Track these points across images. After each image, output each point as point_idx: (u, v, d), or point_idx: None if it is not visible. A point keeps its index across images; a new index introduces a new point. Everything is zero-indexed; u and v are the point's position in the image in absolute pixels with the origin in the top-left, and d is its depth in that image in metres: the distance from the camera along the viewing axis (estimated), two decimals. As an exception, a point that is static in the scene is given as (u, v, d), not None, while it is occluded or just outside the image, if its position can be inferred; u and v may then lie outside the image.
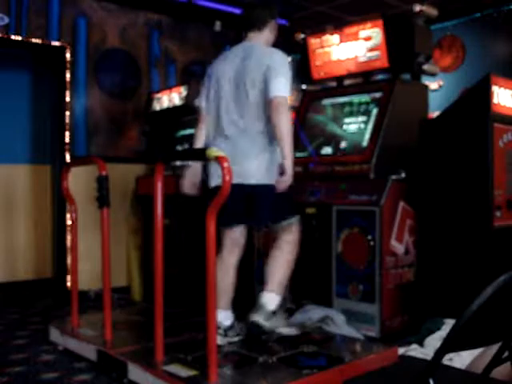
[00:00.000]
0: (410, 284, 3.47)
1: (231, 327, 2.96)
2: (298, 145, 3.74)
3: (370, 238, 3.30)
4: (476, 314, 1.29)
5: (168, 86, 5.28)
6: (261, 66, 2.84)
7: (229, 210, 2.79)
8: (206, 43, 5.81)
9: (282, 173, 2.81)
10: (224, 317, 2.92)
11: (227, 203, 2.71)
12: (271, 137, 2.88)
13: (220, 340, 2.76)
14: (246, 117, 2.88)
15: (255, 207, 2.91)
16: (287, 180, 2.80)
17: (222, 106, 2.95)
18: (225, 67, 2.98)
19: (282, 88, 2.79)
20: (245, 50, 2.97)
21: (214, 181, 2.91)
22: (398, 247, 3.39)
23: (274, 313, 2.94)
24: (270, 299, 2.95)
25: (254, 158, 2.86)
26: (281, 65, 2.85)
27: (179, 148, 4.94)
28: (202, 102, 3.13)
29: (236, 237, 3.03)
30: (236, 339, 2.95)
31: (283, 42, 2.99)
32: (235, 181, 2.71)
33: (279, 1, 3.06)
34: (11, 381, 2.88)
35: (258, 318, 2.89)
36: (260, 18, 3.02)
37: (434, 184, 3.44)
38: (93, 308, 4.16)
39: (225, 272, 2.96)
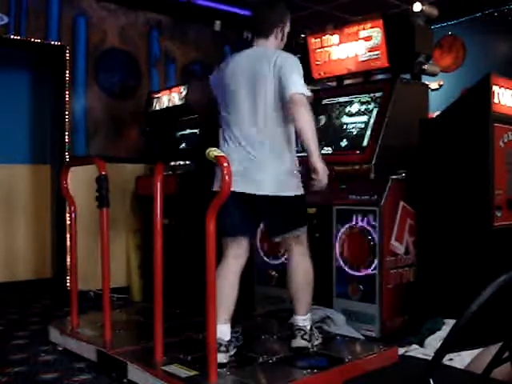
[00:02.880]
0: (410, 284, 3.47)
1: (231, 341, 2.75)
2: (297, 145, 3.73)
3: (370, 238, 3.30)
4: (476, 314, 1.29)
5: (168, 86, 5.28)
6: (272, 67, 2.71)
7: (237, 220, 2.74)
8: (205, 43, 5.81)
9: (312, 173, 2.66)
10: (225, 332, 2.68)
11: (236, 212, 2.69)
12: (287, 145, 2.77)
13: (224, 358, 2.61)
14: (261, 125, 2.73)
15: (268, 219, 2.86)
16: (322, 179, 2.65)
17: (234, 113, 2.79)
18: (235, 73, 2.81)
19: (299, 85, 2.67)
20: (254, 55, 2.82)
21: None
22: (398, 247, 3.39)
23: (311, 330, 2.91)
24: (305, 321, 2.87)
25: (270, 169, 2.71)
26: (293, 64, 2.74)
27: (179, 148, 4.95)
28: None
29: (242, 248, 2.84)
30: (234, 350, 2.80)
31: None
32: (247, 190, 2.69)
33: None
34: (11, 381, 2.87)
35: (300, 343, 2.82)
36: (267, 24, 2.85)
37: (434, 184, 3.44)
38: (92, 308, 4.15)
39: (227, 282, 2.75)
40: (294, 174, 2.79)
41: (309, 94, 2.71)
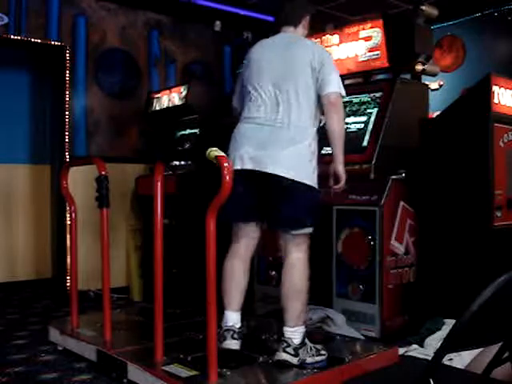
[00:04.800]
0: (411, 284, 3.46)
1: (241, 328, 2.73)
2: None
3: (370, 238, 3.30)
4: (476, 314, 1.29)
5: (168, 86, 5.28)
6: (310, 59, 2.68)
7: (240, 203, 2.64)
8: (205, 43, 5.81)
9: (332, 177, 2.73)
10: (237, 319, 2.69)
11: (239, 193, 2.53)
12: (308, 133, 2.68)
13: (237, 344, 2.63)
14: (286, 107, 2.66)
15: (274, 204, 2.65)
16: (342, 185, 2.73)
17: (259, 93, 2.72)
18: (265, 54, 2.80)
19: (338, 85, 2.69)
20: (288, 38, 2.83)
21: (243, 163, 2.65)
22: (399, 247, 3.39)
23: (301, 344, 2.61)
24: (294, 333, 2.60)
25: (285, 147, 2.60)
26: (331, 61, 2.77)
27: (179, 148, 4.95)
28: (237, 100, 2.95)
29: (249, 231, 2.77)
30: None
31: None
32: (254, 167, 2.61)
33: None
34: (11, 381, 2.87)
35: (284, 356, 2.56)
36: (296, 13, 2.88)
37: (435, 184, 3.44)
38: (92, 308, 4.15)
39: (239, 268, 2.72)
40: (310, 162, 2.66)
41: (344, 93, 2.74)
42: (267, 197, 2.67)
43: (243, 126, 2.75)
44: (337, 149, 2.71)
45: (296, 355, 2.57)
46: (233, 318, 2.69)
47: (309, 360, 2.62)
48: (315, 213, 2.72)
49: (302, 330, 2.63)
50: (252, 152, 2.64)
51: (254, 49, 2.89)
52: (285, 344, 2.59)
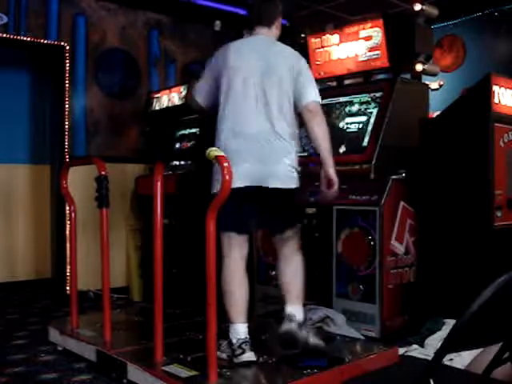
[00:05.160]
0: (411, 284, 3.46)
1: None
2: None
3: (370, 237, 3.30)
4: (476, 314, 1.29)
5: (168, 86, 5.27)
6: (289, 67, 2.75)
7: (244, 216, 2.71)
8: (205, 43, 5.80)
9: (325, 182, 2.79)
10: (247, 331, 2.66)
11: (244, 208, 2.67)
12: (294, 139, 2.78)
13: (254, 356, 2.61)
14: (273, 116, 2.70)
15: (274, 213, 2.78)
16: (335, 190, 2.79)
17: (244, 102, 2.71)
18: (245, 61, 2.77)
19: (316, 94, 2.78)
20: (267, 44, 2.83)
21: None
22: (399, 247, 3.38)
23: (304, 322, 2.76)
24: (297, 311, 2.75)
25: (281, 159, 2.70)
26: (308, 70, 2.84)
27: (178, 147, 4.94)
28: (203, 99, 2.91)
29: (247, 245, 2.81)
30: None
31: (283, 42, 2.96)
32: (255, 183, 2.66)
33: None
34: (10, 381, 2.87)
35: (290, 326, 2.68)
36: (271, 14, 2.90)
37: (435, 184, 3.44)
38: (92, 308, 4.15)
39: (241, 282, 2.71)
40: (296, 169, 2.80)
41: (321, 101, 2.80)
42: (265, 206, 2.75)
43: (234, 141, 2.69)
44: (325, 152, 2.75)
45: (300, 329, 2.69)
46: (245, 330, 2.65)
47: (311, 340, 2.72)
48: (298, 210, 3.00)
49: (302, 309, 2.79)
50: (250, 168, 2.66)
51: (232, 53, 2.82)
52: (289, 320, 2.71)
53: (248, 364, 2.59)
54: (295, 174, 2.78)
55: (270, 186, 2.69)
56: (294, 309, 2.75)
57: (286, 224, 2.83)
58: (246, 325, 2.68)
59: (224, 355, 2.65)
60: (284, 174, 2.72)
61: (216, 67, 2.87)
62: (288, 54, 2.82)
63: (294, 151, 2.78)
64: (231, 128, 2.72)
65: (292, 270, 2.81)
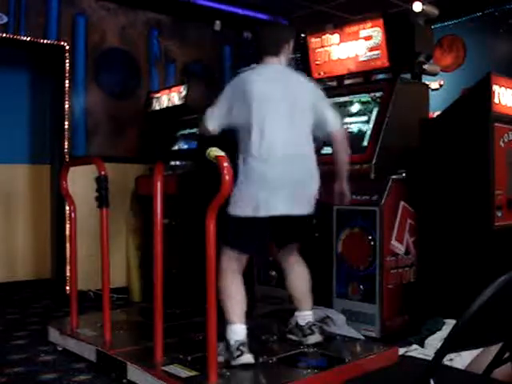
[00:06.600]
0: (410, 284, 3.46)
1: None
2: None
3: (370, 237, 3.30)
4: (476, 314, 1.29)
5: (167, 86, 5.27)
6: (307, 96, 2.88)
7: (266, 240, 2.85)
8: (205, 43, 5.80)
9: (339, 195, 3.01)
10: (245, 333, 2.68)
11: (267, 233, 2.78)
12: (316, 164, 2.90)
13: (253, 358, 2.62)
14: (302, 142, 2.83)
15: (291, 232, 2.93)
16: (348, 202, 3.07)
17: (274, 126, 2.73)
18: (268, 90, 2.78)
19: (338, 121, 2.97)
20: (282, 73, 2.91)
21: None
22: (399, 247, 3.38)
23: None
24: (313, 315, 3.04)
25: (310, 185, 2.85)
26: (324, 96, 2.98)
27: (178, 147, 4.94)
28: (216, 126, 2.85)
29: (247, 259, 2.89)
30: None
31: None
32: (279, 213, 2.71)
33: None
34: (10, 381, 2.87)
35: (316, 339, 2.96)
36: (277, 42, 2.90)
37: (435, 184, 3.44)
38: (92, 308, 4.15)
39: (240, 291, 2.75)
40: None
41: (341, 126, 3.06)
42: (282, 227, 2.85)
43: (259, 166, 2.70)
44: (345, 173, 2.98)
45: (321, 333, 3.03)
46: (244, 332, 2.65)
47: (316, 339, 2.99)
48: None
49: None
50: (276, 197, 2.69)
51: (255, 83, 2.78)
52: (313, 329, 2.98)
53: (249, 366, 2.58)
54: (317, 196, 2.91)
55: (295, 213, 2.78)
56: (310, 314, 3.02)
57: (297, 240, 3.01)
58: (245, 326, 2.68)
59: (221, 358, 2.60)
60: (311, 200, 2.84)
61: (234, 96, 2.81)
62: (306, 83, 2.95)
63: (317, 175, 2.88)
64: (255, 154, 2.70)
65: (307, 276, 3.03)
